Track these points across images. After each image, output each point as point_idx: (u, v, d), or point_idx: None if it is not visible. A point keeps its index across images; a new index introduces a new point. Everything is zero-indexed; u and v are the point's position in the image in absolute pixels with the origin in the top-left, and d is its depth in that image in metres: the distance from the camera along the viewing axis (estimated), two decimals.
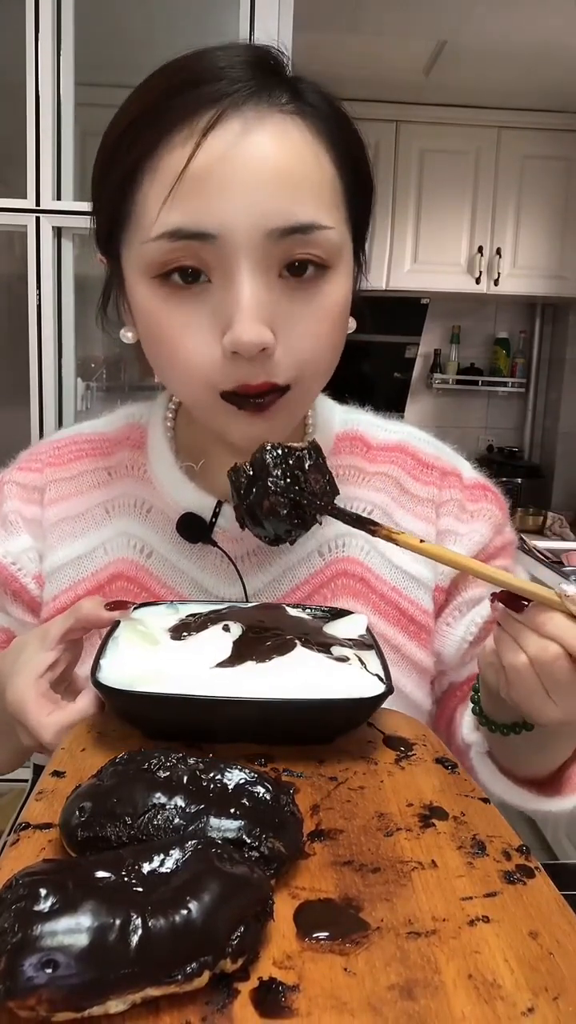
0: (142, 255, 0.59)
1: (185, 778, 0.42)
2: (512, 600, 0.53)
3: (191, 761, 0.43)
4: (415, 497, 0.76)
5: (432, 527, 0.75)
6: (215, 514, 0.72)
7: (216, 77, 0.57)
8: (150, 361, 0.65)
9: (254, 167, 0.56)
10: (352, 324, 0.67)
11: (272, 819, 0.41)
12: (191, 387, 0.62)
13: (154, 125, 0.58)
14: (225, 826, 0.40)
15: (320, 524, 0.58)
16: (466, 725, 0.71)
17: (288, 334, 0.59)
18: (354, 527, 0.57)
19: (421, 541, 0.54)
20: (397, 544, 0.55)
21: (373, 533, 0.56)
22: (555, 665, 0.51)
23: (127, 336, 0.67)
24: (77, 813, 0.41)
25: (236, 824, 0.40)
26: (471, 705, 0.67)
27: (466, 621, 0.74)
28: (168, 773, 0.42)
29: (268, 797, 0.42)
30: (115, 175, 0.60)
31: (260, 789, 0.42)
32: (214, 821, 0.40)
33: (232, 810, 0.40)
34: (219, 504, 0.72)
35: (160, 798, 0.41)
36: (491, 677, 0.57)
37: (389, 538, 0.55)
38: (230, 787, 0.42)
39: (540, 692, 0.52)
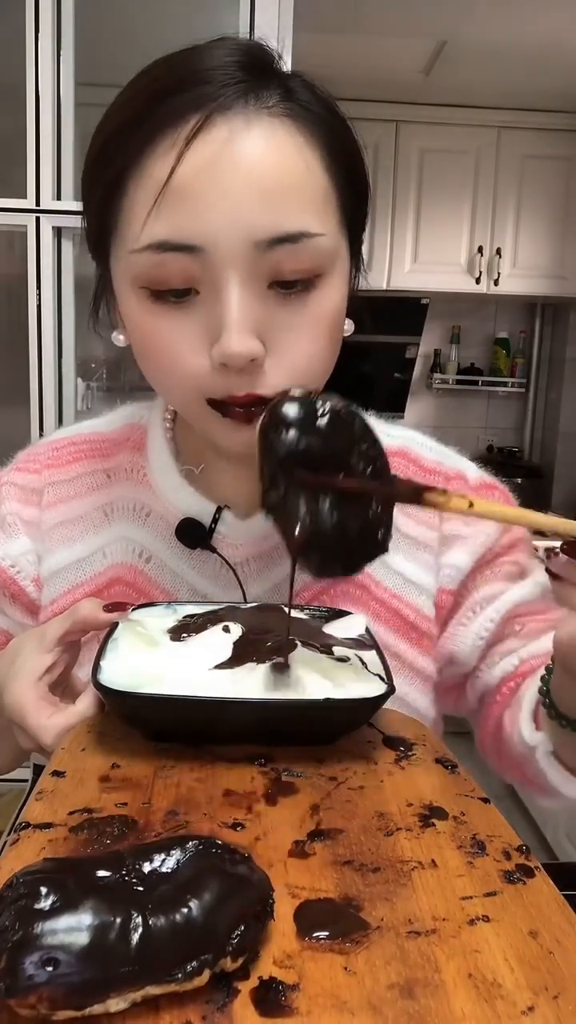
0: (129, 265, 0.59)
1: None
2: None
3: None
4: None
5: (435, 533, 0.74)
6: (215, 520, 0.71)
7: (203, 80, 0.56)
8: (140, 365, 0.64)
9: (240, 177, 0.55)
10: (350, 326, 0.66)
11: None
12: (180, 394, 0.62)
13: (139, 131, 0.57)
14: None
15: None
16: (524, 727, 0.67)
17: (279, 344, 0.58)
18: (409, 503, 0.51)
19: (471, 505, 0.49)
20: (447, 511, 0.49)
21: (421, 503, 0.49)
22: None
23: (119, 339, 0.66)
24: None
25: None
26: (526, 706, 0.66)
27: (481, 619, 0.73)
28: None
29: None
30: (102, 182, 0.59)
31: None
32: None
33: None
34: (219, 509, 0.71)
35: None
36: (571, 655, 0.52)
37: (435, 506, 0.49)
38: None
39: None
